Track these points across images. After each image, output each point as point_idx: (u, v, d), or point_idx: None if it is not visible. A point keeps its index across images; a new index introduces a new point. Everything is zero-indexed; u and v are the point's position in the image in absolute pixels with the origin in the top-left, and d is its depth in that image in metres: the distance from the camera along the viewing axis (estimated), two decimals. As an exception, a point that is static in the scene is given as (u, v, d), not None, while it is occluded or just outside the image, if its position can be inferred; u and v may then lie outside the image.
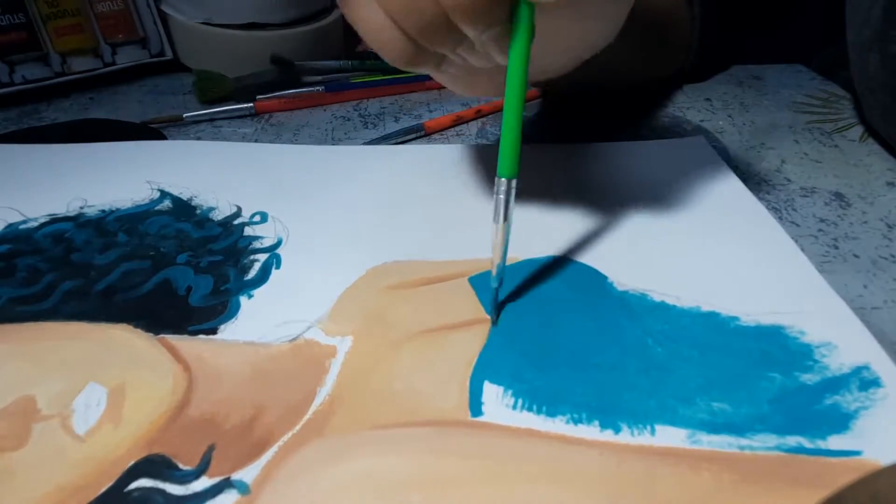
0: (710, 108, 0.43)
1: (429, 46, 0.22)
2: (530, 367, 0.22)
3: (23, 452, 0.19)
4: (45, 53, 0.41)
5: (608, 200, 0.31)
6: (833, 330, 0.23)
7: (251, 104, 0.41)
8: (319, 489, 0.18)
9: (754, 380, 0.21)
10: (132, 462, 0.18)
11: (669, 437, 0.19)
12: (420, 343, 0.23)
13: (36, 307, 0.24)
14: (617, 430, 0.19)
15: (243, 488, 0.18)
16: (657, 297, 0.25)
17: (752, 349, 0.22)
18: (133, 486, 0.18)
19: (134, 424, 0.20)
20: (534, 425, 0.20)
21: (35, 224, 0.28)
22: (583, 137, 0.37)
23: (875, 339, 0.22)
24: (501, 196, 0.22)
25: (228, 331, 0.23)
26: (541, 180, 0.32)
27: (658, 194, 0.31)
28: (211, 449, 0.19)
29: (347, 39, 0.52)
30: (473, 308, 0.24)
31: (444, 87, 0.45)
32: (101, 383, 0.21)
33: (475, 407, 0.20)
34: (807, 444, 0.19)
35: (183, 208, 0.30)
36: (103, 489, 0.18)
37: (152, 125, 0.39)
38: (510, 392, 0.21)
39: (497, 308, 0.24)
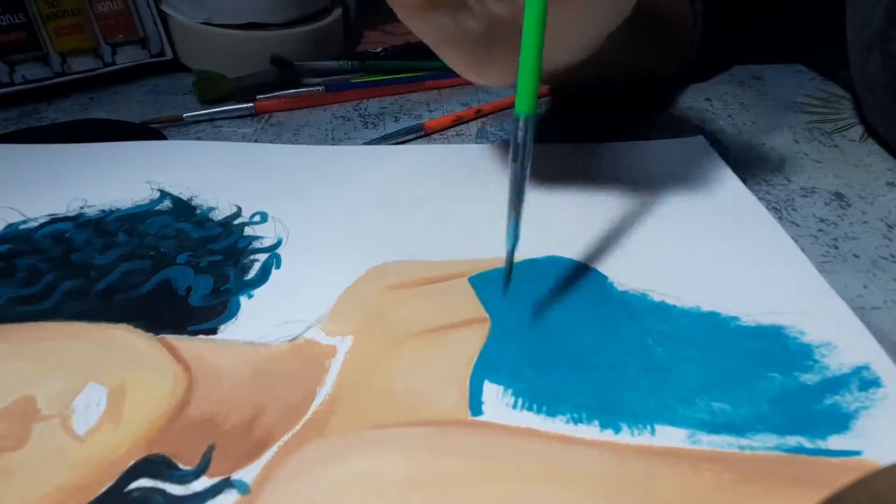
0: (710, 108, 0.43)
1: None
2: (530, 367, 0.22)
3: (23, 452, 0.19)
4: (45, 53, 0.41)
5: (608, 200, 0.31)
6: (833, 330, 0.23)
7: (251, 104, 0.41)
8: (319, 489, 0.18)
9: (754, 380, 0.21)
10: (132, 462, 0.18)
11: (669, 437, 0.19)
12: (420, 343, 0.23)
13: (36, 307, 0.24)
14: (617, 430, 0.19)
15: (243, 488, 0.18)
16: (657, 297, 0.25)
17: (752, 349, 0.22)
18: (133, 486, 0.18)
19: (134, 424, 0.20)
20: (534, 425, 0.20)
21: (35, 224, 0.28)
22: (583, 137, 0.37)
23: (875, 339, 0.22)
24: (520, 137, 0.21)
25: (228, 331, 0.23)
26: (540, 180, 0.32)
27: (658, 194, 0.31)
28: (211, 449, 0.19)
29: (347, 39, 0.52)
30: (473, 308, 0.24)
31: (444, 87, 0.46)
32: (101, 383, 0.21)
33: (475, 406, 0.20)
34: (807, 444, 0.19)
35: (183, 208, 0.30)
36: (103, 489, 0.18)
37: (152, 125, 0.39)
38: (510, 391, 0.21)
39: (509, 271, 0.23)
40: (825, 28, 0.44)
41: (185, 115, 0.40)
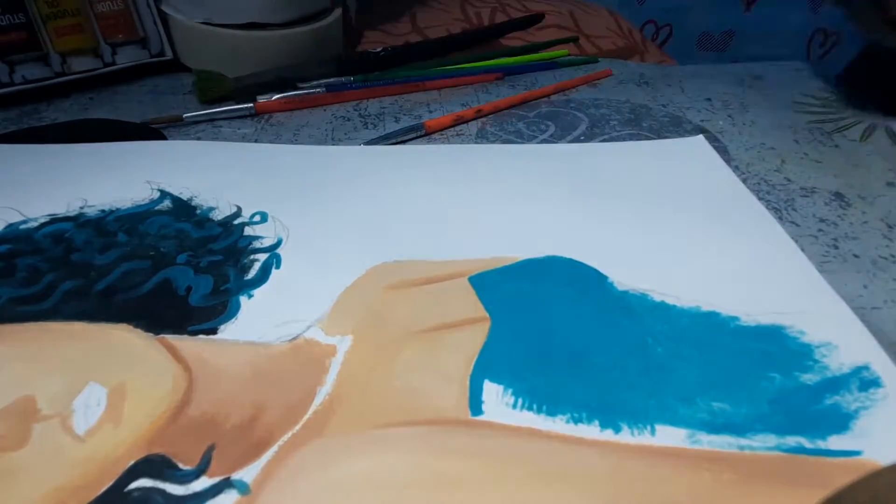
0: (710, 108, 0.43)
1: None
2: (530, 367, 0.22)
3: (23, 452, 0.19)
4: (45, 53, 0.41)
5: (608, 200, 0.31)
6: (833, 330, 0.23)
7: (251, 104, 0.41)
8: (319, 489, 0.18)
9: (754, 380, 0.21)
10: (132, 462, 0.18)
11: (669, 436, 0.19)
12: (420, 342, 0.23)
13: (36, 307, 0.24)
14: (617, 430, 0.19)
15: (243, 488, 0.18)
16: (657, 297, 0.25)
17: (752, 349, 0.22)
18: (133, 486, 0.18)
19: (134, 424, 0.20)
20: (534, 424, 0.20)
21: (35, 224, 0.28)
22: (583, 137, 0.37)
23: (875, 339, 0.22)
24: None
25: (228, 331, 0.23)
26: (541, 180, 0.32)
27: (658, 194, 0.31)
28: (211, 449, 0.19)
29: (347, 39, 0.52)
30: (473, 307, 0.24)
31: (444, 88, 0.46)
32: (101, 383, 0.21)
33: (475, 406, 0.20)
34: (807, 444, 0.19)
35: (183, 208, 0.30)
36: (103, 489, 0.18)
37: (152, 125, 0.39)
38: (510, 391, 0.21)
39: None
40: None
41: (185, 115, 0.40)
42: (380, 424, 0.20)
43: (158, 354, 0.22)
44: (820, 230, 0.30)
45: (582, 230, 0.29)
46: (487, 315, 0.24)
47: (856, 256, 0.28)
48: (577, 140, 0.38)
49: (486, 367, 0.22)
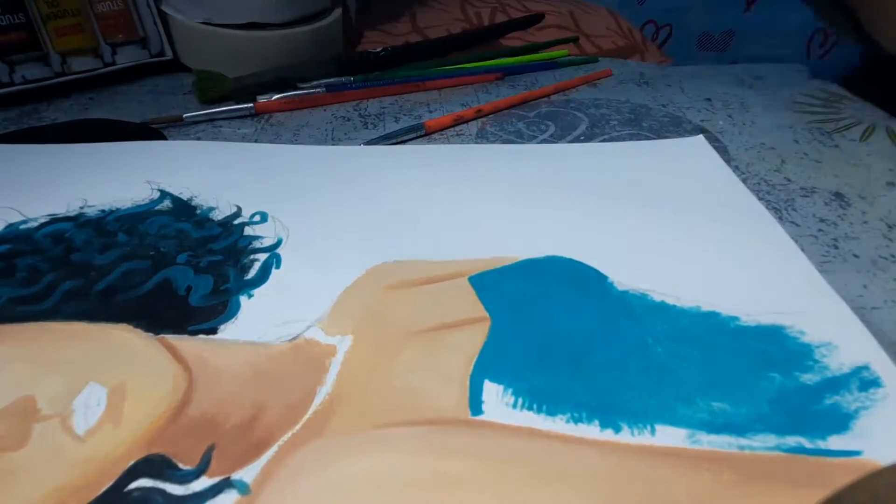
0: (710, 108, 0.43)
1: None
2: (530, 367, 0.22)
3: (23, 452, 0.19)
4: (45, 53, 0.41)
5: (608, 200, 0.31)
6: (833, 330, 0.23)
7: (251, 104, 0.41)
8: (319, 489, 0.18)
9: (754, 380, 0.21)
10: (132, 462, 0.18)
11: (669, 436, 0.19)
12: (420, 342, 0.23)
13: (36, 307, 0.24)
14: (617, 430, 0.19)
15: (243, 488, 0.18)
16: (657, 297, 0.25)
17: (752, 349, 0.22)
18: (133, 485, 0.18)
19: (134, 424, 0.20)
20: (534, 424, 0.20)
21: (35, 224, 0.28)
22: (583, 137, 0.37)
23: (875, 339, 0.22)
24: None
25: (228, 331, 0.23)
26: (540, 180, 0.32)
27: (658, 194, 0.31)
28: (211, 449, 0.19)
29: (347, 39, 0.52)
30: (473, 307, 0.24)
31: (444, 88, 0.46)
32: (101, 383, 0.21)
33: (475, 406, 0.20)
34: (807, 444, 0.19)
35: (183, 208, 0.30)
36: (103, 489, 0.18)
37: (152, 125, 0.39)
38: (510, 391, 0.21)
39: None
40: None
41: (185, 116, 0.40)
42: (380, 424, 0.20)
43: (158, 354, 0.22)
44: (820, 230, 0.30)
45: (582, 230, 0.29)
46: (487, 315, 0.24)
47: (856, 256, 0.28)
48: (577, 140, 0.38)
49: (486, 367, 0.22)
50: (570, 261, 0.27)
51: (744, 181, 0.32)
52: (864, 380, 0.21)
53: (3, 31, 0.40)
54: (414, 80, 0.45)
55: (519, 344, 0.23)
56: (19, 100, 0.41)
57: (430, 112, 0.42)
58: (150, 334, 0.23)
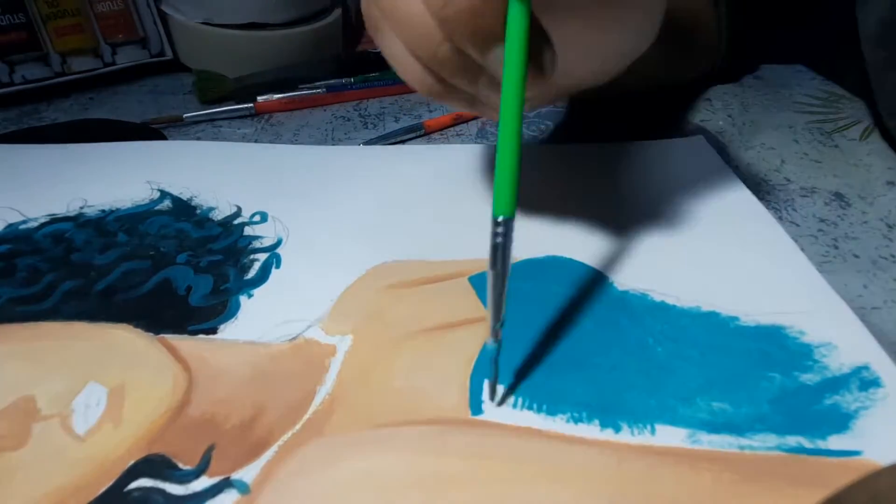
0: (710, 108, 0.43)
1: (449, 79, 0.21)
2: (530, 367, 0.22)
3: (23, 452, 0.19)
4: (45, 53, 0.41)
5: (608, 200, 0.31)
6: (833, 330, 0.23)
7: (251, 104, 0.41)
8: (319, 489, 0.18)
9: (754, 380, 0.21)
10: (132, 462, 0.18)
11: (669, 436, 0.19)
12: (420, 342, 0.23)
13: (36, 307, 0.24)
14: (617, 430, 0.19)
15: (243, 488, 0.18)
16: (657, 297, 0.25)
17: (752, 349, 0.22)
18: (133, 485, 0.18)
19: (134, 424, 0.20)
20: (534, 424, 0.20)
21: (35, 224, 0.28)
22: (582, 138, 0.37)
23: (875, 339, 0.22)
24: (499, 239, 0.19)
25: (228, 330, 0.23)
26: (540, 180, 0.32)
27: (658, 194, 0.31)
28: (211, 449, 0.19)
29: (347, 39, 0.52)
30: (473, 307, 0.24)
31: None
32: (101, 383, 0.21)
33: (475, 405, 0.20)
34: (807, 444, 0.19)
35: (183, 208, 0.30)
36: (103, 489, 0.18)
37: (152, 125, 0.39)
38: (510, 391, 0.21)
39: (496, 378, 0.20)
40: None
41: (185, 116, 0.40)
42: (380, 424, 0.20)
43: (158, 354, 0.22)
44: (820, 230, 0.30)
45: (582, 230, 0.29)
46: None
47: (856, 256, 0.28)
48: (576, 140, 0.38)
49: (487, 366, 0.22)
50: (570, 261, 0.27)
51: (744, 181, 0.32)
52: (864, 380, 0.21)
53: (3, 31, 0.40)
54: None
55: (519, 344, 0.23)
56: (19, 100, 0.41)
57: (430, 112, 0.42)
58: (150, 334, 0.23)
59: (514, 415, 0.20)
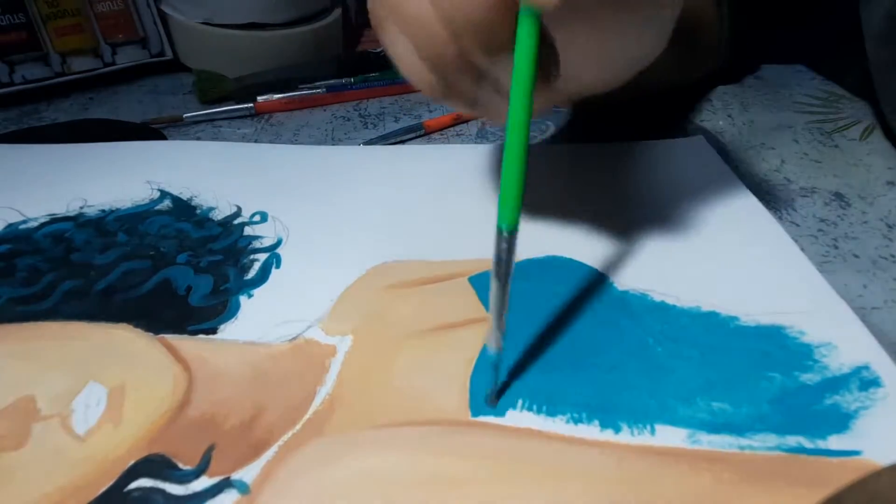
0: (710, 108, 0.43)
1: (453, 81, 0.21)
2: (530, 367, 0.22)
3: (23, 452, 0.19)
4: (45, 53, 0.41)
5: (608, 200, 0.31)
6: (833, 330, 0.23)
7: (251, 104, 0.41)
8: (319, 489, 0.18)
9: (754, 380, 0.21)
10: (132, 462, 0.18)
11: (669, 436, 0.19)
12: (420, 342, 0.23)
13: (36, 307, 0.24)
14: (617, 430, 0.19)
15: (243, 488, 0.18)
16: (657, 297, 0.25)
17: (752, 349, 0.22)
18: (133, 485, 0.18)
19: (134, 424, 0.20)
20: (534, 425, 0.20)
21: (35, 224, 0.28)
22: (582, 138, 0.37)
23: (875, 339, 0.22)
24: (503, 251, 0.19)
25: (228, 330, 0.23)
26: (540, 180, 0.32)
27: (658, 194, 0.31)
28: (211, 449, 0.19)
29: (347, 39, 0.52)
30: (473, 307, 0.24)
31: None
32: (101, 383, 0.21)
33: (475, 406, 0.20)
34: (807, 444, 0.19)
35: (183, 208, 0.30)
36: (103, 489, 0.18)
37: (152, 125, 0.39)
38: (510, 391, 0.21)
39: (496, 384, 0.20)
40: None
41: (185, 115, 0.40)
42: (380, 424, 0.20)
43: (158, 354, 0.22)
44: (820, 230, 0.30)
45: (582, 230, 0.29)
46: (487, 315, 0.24)
47: (856, 256, 0.28)
48: (577, 140, 0.38)
49: (487, 367, 0.22)
50: (570, 261, 0.27)
51: (744, 181, 0.32)
52: (864, 380, 0.21)
53: (3, 31, 0.40)
54: (414, 80, 0.45)
55: (519, 344, 0.23)
56: (19, 100, 0.41)
57: (430, 112, 0.42)
58: (150, 334, 0.23)
59: (514, 415, 0.20)
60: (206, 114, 0.40)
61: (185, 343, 0.23)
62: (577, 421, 0.20)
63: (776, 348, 0.22)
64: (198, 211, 0.30)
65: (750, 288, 0.25)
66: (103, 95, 0.44)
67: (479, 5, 0.18)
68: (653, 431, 0.19)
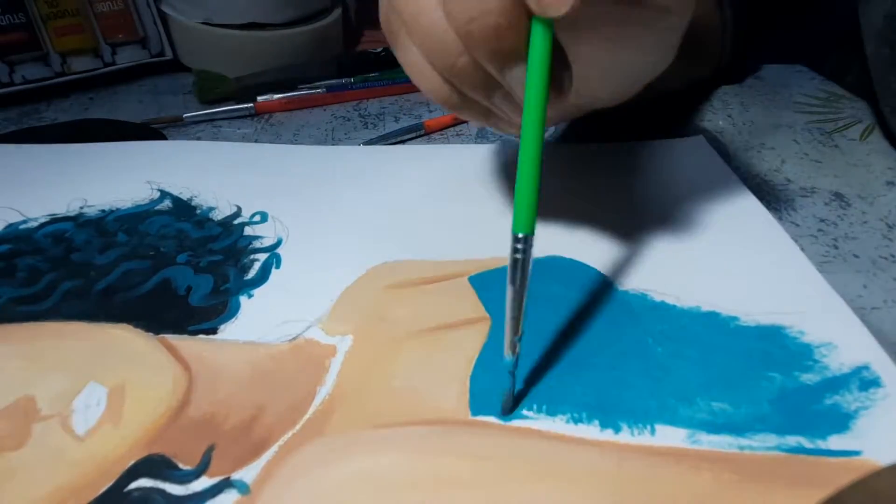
0: (710, 108, 0.43)
1: (466, 91, 0.21)
2: (530, 367, 0.22)
3: (23, 452, 0.19)
4: (45, 53, 0.41)
5: (608, 200, 0.31)
6: (833, 330, 0.23)
7: (251, 104, 0.41)
8: (320, 489, 0.18)
9: (754, 380, 0.21)
10: (132, 462, 0.18)
11: (669, 436, 0.19)
12: (420, 342, 0.23)
13: (36, 307, 0.24)
14: (617, 430, 0.19)
15: (243, 488, 0.18)
16: (657, 297, 0.25)
17: (752, 349, 0.22)
18: (133, 485, 0.18)
19: (134, 424, 0.20)
20: (534, 424, 0.20)
21: (35, 224, 0.28)
22: (582, 138, 0.37)
23: (875, 339, 0.22)
24: (518, 255, 0.19)
25: (228, 330, 0.23)
26: (540, 180, 0.32)
27: (658, 194, 0.31)
28: (211, 449, 0.19)
29: (347, 39, 0.52)
30: (473, 307, 0.24)
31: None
32: (101, 383, 0.21)
33: (475, 406, 0.20)
34: (807, 444, 0.19)
35: (183, 208, 0.30)
36: (103, 489, 0.18)
37: (152, 125, 0.39)
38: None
39: (513, 390, 0.20)
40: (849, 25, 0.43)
41: (185, 116, 0.40)
42: (380, 424, 0.20)
43: (158, 354, 0.22)
44: (820, 230, 0.30)
45: (582, 230, 0.29)
46: (487, 315, 0.24)
47: (856, 256, 0.28)
48: (577, 140, 0.38)
49: (487, 367, 0.22)
50: (570, 261, 0.27)
51: (744, 181, 0.32)
52: (864, 380, 0.21)
53: (3, 31, 0.40)
54: (414, 80, 0.45)
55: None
56: (19, 100, 0.42)
57: (430, 112, 0.42)
58: (150, 334, 0.23)
59: (513, 415, 0.20)
60: (206, 114, 0.40)
61: (185, 343, 0.23)
62: (577, 421, 0.20)
63: (776, 348, 0.22)
64: (198, 211, 0.30)
65: (750, 288, 0.25)
66: (103, 95, 0.44)
67: (493, 16, 0.18)
68: (653, 431, 0.19)
